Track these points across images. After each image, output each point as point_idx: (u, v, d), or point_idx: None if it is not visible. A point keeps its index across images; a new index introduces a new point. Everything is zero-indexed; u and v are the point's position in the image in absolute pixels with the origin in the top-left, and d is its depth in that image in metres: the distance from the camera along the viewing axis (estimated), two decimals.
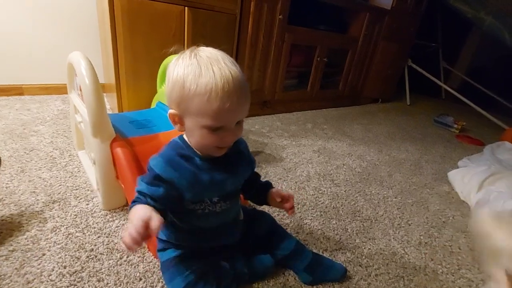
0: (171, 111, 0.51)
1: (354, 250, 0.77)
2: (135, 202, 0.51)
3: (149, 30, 1.19)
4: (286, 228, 0.75)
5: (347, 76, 2.09)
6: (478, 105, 2.17)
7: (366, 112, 2.10)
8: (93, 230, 0.72)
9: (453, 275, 0.74)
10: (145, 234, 0.40)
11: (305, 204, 0.94)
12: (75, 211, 0.77)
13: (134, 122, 0.93)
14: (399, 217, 0.95)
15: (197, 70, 0.46)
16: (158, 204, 0.50)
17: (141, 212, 0.44)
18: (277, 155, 1.25)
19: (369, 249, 0.79)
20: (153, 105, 1.12)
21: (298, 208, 0.91)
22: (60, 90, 1.56)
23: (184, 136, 0.56)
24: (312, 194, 1.00)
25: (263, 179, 1.06)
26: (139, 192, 0.51)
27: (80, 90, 0.84)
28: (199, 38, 1.35)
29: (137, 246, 0.40)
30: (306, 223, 0.85)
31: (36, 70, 1.50)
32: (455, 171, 1.22)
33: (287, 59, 1.68)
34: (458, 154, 1.50)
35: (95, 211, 0.78)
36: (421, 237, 0.87)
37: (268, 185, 0.66)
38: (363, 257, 0.76)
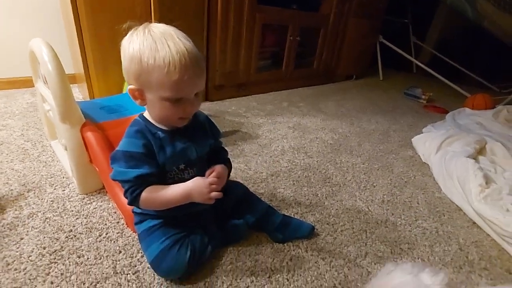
0: (130, 86, 0.53)
1: (322, 212, 0.84)
2: (136, 190, 0.54)
3: (113, 17, 1.17)
4: (260, 197, 0.79)
5: (321, 54, 2.13)
6: (445, 77, 2.29)
7: (340, 89, 2.17)
8: (70, 213, 0.74)
9: (410, 226, 0.83)
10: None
11: (279, 175, 0.99)
12: (51, 198, 0.78)
13: (105, 108, 0.93)
14: (365, 181, 1.03)
15: (153, 45, 0.48)
16: (157, 178, 0.56)
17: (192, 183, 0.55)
18: (253, 133, 1.29)
19: (336, 209, 0.86)
20: (124, 91, 1.12)
21: (272, 179, 0.97)
22: (27, 83, 1.50)
23: (145, 114, 0.59)
24: (286, 166, 1.06)
25: (238, 155, 1.10)
26: (138, 177, 0.53)
27: (45, 78, 0.84)
28: (168, 22, 1.33)
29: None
30: (279, 192, 0.91)
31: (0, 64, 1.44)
32: (418, 137, 1.31)
33: (260, 40, 1.69)
34: (424, 123, 1.60)
35: (71, 196, 0.80)
36: (384, 196, 0.95)
37: (223, 161, 0.65)
38: (331, 216, 0.83)
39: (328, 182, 0.99)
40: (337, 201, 0.90)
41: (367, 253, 0.71)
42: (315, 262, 0.67)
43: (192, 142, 0.60)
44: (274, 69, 1.91)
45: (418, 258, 0.72)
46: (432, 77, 2.35)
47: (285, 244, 0.71)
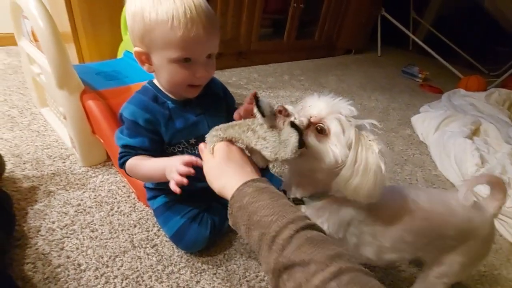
0: (136, 48, 0.48)
1: None
2: (124, 157, 0.52)
3: None
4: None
5: (324, 25, 2.03)
6: (440, 56, 2.29)
7: (340, 64, 2.12)
8: (76, 186, 0.71)
9: None
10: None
11: None
12: (51, 170, 0.74)
13: (102, 74, 0.85)
14: None
15: None
16: (148, 152, 0.52)
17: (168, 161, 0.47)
18: None
19: None
20: (120, 55, 1.02)
21: None
22: (2, 40, 1.34)
23: (154, 81, 0.55)
24: None
25: None
26: (125, 146, 0.51)
27: (33, 35, 0.73)
28: None
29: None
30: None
31: None
32: (417, 116, 1.34)
33: (263, 5, 1.57)
34: (421, 102, 1.62)
35: (74, 169, 0.76)
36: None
37: None
38: None
39: None
40: None
41: None
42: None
43: (204, 115, 0.56)
44: (276, 38, 1.82)
45: None
46: (427, 55, 2.34)
47: None
